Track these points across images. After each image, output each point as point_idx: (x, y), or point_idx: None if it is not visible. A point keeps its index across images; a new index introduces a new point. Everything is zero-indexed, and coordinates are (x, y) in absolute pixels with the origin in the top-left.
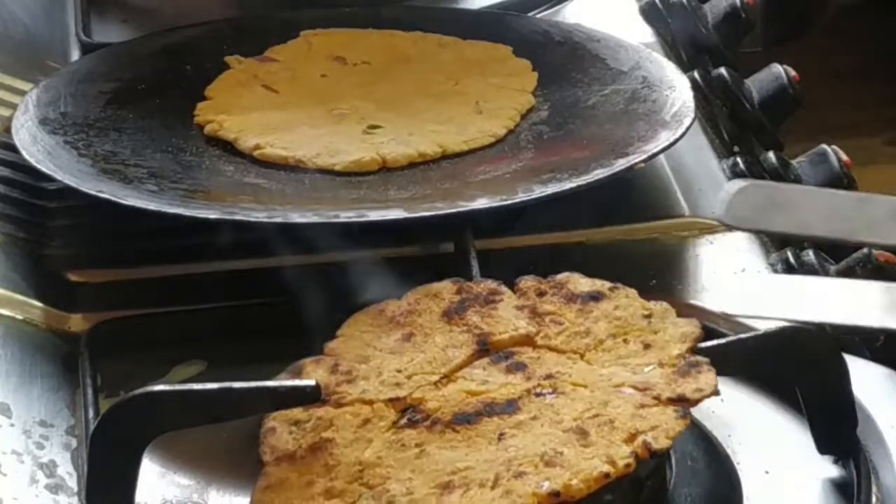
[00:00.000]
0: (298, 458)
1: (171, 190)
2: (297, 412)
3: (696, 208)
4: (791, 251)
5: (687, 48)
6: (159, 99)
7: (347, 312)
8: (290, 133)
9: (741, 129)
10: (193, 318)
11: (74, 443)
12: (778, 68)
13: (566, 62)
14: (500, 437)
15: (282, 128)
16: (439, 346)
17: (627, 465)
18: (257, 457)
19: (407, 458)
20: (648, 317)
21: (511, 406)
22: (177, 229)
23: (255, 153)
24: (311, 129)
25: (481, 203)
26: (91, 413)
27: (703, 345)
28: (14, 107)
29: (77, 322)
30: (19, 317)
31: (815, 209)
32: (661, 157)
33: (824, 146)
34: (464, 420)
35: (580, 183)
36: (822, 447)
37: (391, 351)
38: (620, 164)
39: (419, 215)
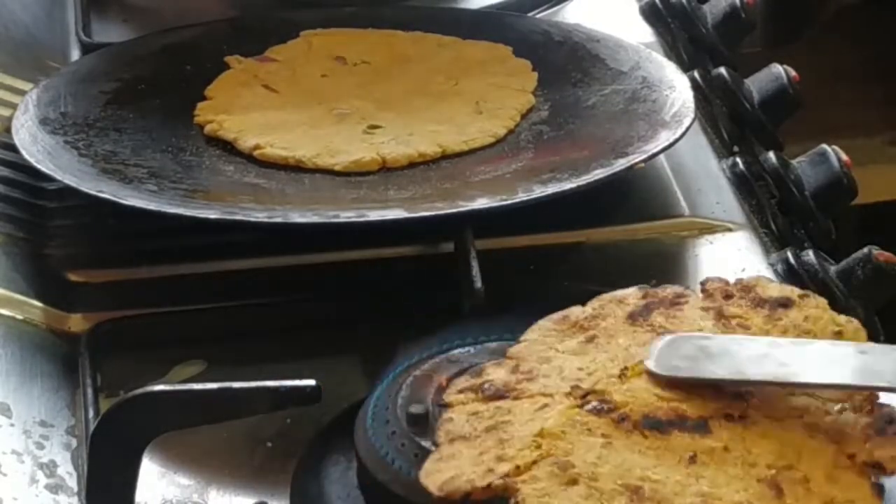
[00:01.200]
0: (472, 438)
1: (171, 190)
2: (476, 404)
3: (696, 208)
4: (791, 251)
5: (687, 48)
6: (159, 99)
7: (346, 311)
8: (290, 133)
9: (741, 129)
10: (193, 318)
11: (74, 443)
12: (778, 68)
13: (566, 62)
14: (692, 460)
15: (282, 128)
16: (622, 346)
17: None
18: (257, 461)
19: (591, 444)
20: (839, 334)
21: (702, 426)
22: (177, 229)
23: (255, 153)
24: (312, 129)
25: (481, 203)
26: (91, 413)
27: None
28: (14, 107)
29: (77, 322)
30: (19, 317)
31: (748, 355)
32: (661, 157)
33: (824, 146)
34: (654, 426)
35: (580, 183)
36: None
37: (573, 353)
38: (620, 164)
39: (419, 215)
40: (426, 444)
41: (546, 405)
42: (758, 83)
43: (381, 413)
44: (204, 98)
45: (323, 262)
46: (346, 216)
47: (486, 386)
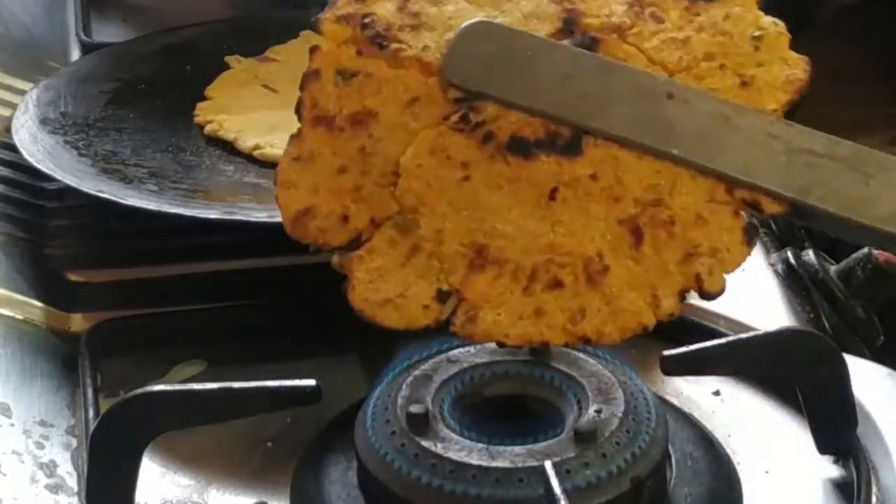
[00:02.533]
0: (336, 129)
1: (172, 190)
2: (345, 59)
3: None
4: (791, 251)
5: None
6: (159, 99)
7: (346, 311)
8: (290, 133)
9: None
10: (193, 318)
11: (74, 443)
12: None
13: None
14: (552, 196)
15: (281, 128)
16: (522, 13)
17: (671, 315)
18: (257, 461)
19: (447, 182)
20: (758, 39)
21: (574, 146)
22: (177, 229)
23: (255, 153)
24: None
25: None
26: (91, 413)
27: (703, 345)
28: (14, 107)
29: (77, 322)
30: (19, 317)
31: (552, 74)
32: None
33: None
34: (519, 149)
35: None
36: (822, 447)
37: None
38: None
39: None
40: (426, 443)
41: (416, 100)
42: None
43: (381, 413)
44: (204, 98)
45: (323, 262)
46: None
47: (366, 21)
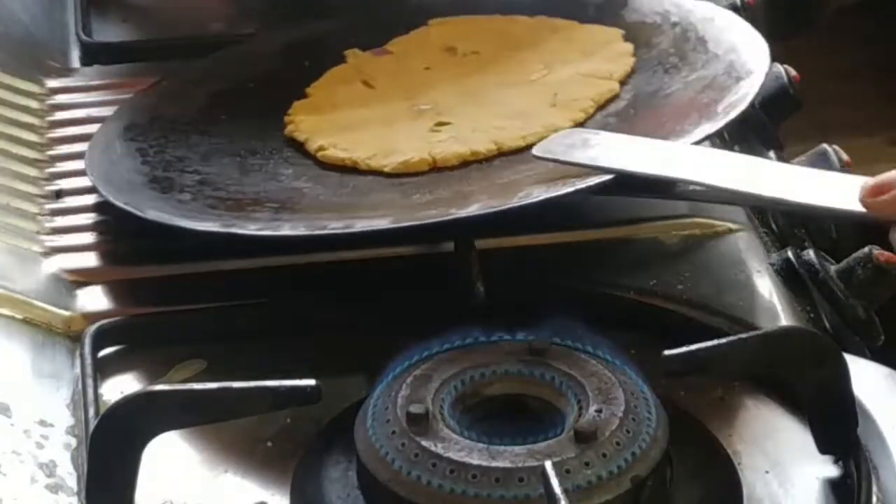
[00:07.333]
0: None
1: (206, 198)
2: None
3: (697, 208)
4: (791, 251)
5: None
6: (262, 98)
7: (346, 311)
8: (359, 133)
9: (741, 129)
10: (193, 318)
11: (74, 443)
12: (778, 68)
13: (671, 45)
14: None
15: (355, 127)
16: None
17: None
18: (257, 461)
19: None
20: None
21: None
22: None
23: (318, 154)
24: (383, 128)
25: (477, 207)
26: (91, 413)
27: (704, 345)
28: (14, 106)
29: (77, 322)
30: (19, 317)
31: (628, 151)
32: None
33: (824, 146)
34: None
35: (589, 184)
36: (823, 447)
37: None
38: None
39: (404, 225)
40: (426, 443)
41: None
42: None
43: (381, 413)
44: (305, 95)
45: (323, 262)
46: (333, 227)
47: None
